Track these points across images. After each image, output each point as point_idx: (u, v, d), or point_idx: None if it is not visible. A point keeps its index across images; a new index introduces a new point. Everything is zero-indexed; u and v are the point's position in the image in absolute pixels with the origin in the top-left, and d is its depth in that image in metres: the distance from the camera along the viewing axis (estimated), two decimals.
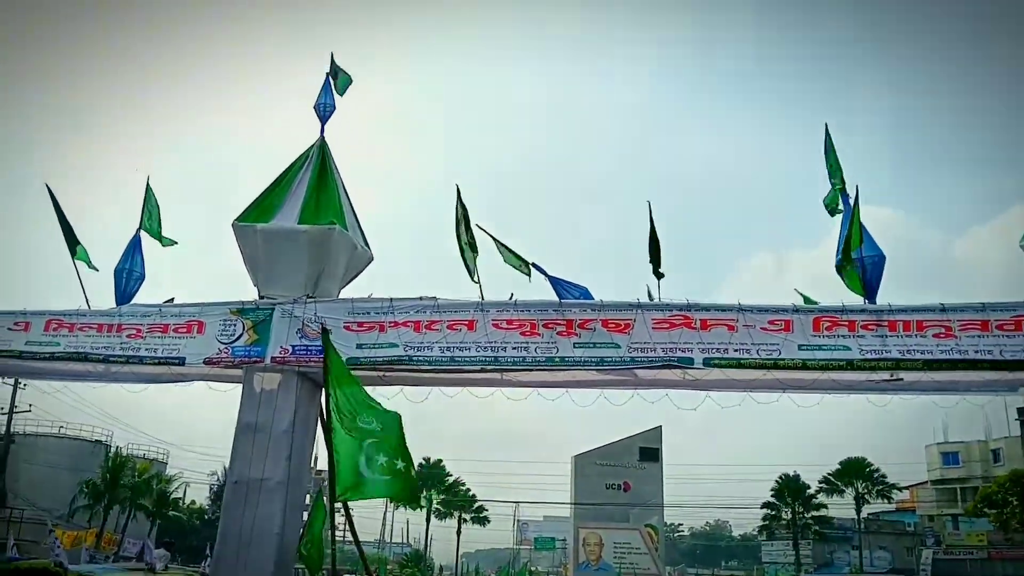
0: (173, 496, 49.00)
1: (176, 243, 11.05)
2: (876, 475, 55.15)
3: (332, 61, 10.67)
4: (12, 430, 35.45)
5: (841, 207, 8.88)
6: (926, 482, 68.12)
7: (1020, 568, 51.62)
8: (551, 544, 74.85)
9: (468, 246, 8.88)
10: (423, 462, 60.51)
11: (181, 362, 9.31)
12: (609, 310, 8.69)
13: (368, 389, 9.42)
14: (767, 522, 60.73)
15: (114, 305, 10.05)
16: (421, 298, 9.12)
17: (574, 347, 8.63)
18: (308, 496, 9.27)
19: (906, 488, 66.85)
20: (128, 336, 9.55)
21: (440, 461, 60.72)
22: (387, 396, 9.34)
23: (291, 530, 8.78)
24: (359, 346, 8.99)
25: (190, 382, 9.84)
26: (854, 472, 54.66)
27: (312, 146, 10.32)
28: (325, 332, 8.61)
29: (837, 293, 8.90)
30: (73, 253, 10.22)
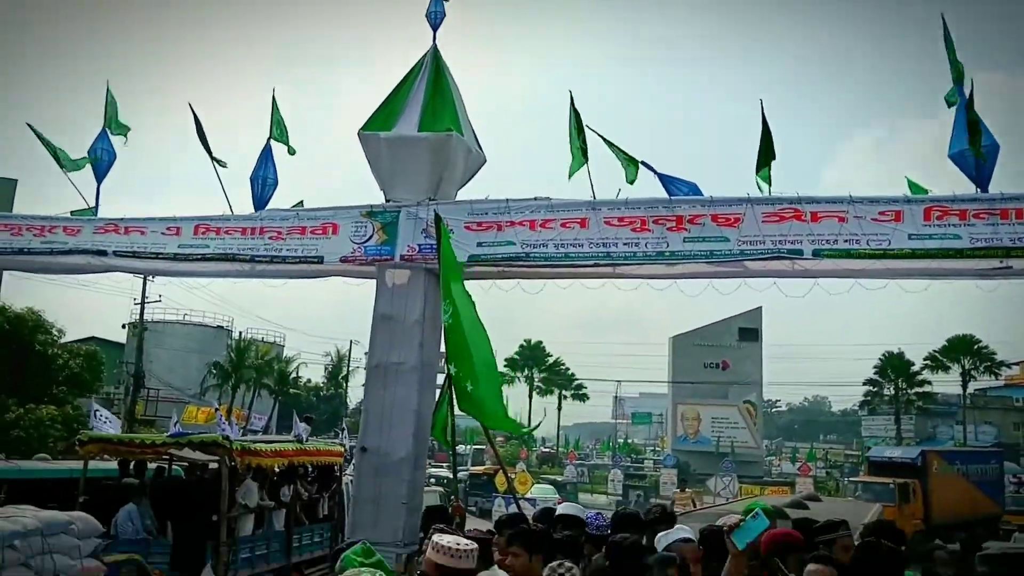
0: (293, 376, 52.65)
1: (297, 152, 11.82)
2: (984, 351, 53.87)
3: None
4: (144, 318, 38.51)
5: (957, 98, 8.75)
6: None
7: None
8: (647, 419, 77.20)
9: (580, 151, 9.26)
10: (524, 343, 62.68)
11: (320, 260, 10.22)
12: (719, 205, 9.01)
13: (488, 283, 10.18)
14: (868, 398, 60.63)
15: (252, 211, 10.97)
16: (536, 198, 9.63)
17: (684, 241, 9.03)
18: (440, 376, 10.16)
19: (1015, 364, 65.08)
20: (270, 238, 10.49)
21: (540, 343, 62.74)
22: (505, 288, 10.09)
23: (425, 407, 9.75)
24: (479, 244, 9.64)
25: (327, 278, 10.78)
26: (961, 349, 53.56)
27: (426, 53, 10.71)
28: (439, 219, 8.75)
29: (950, 180, 8.93)
30: (216, 160, 11.12)
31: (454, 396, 7.76)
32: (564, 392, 63.60)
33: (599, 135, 9.39)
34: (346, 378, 64.28)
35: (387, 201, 10.23)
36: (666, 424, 54.90)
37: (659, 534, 4.79)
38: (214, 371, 43.53)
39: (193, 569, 9.46)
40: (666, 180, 9.54)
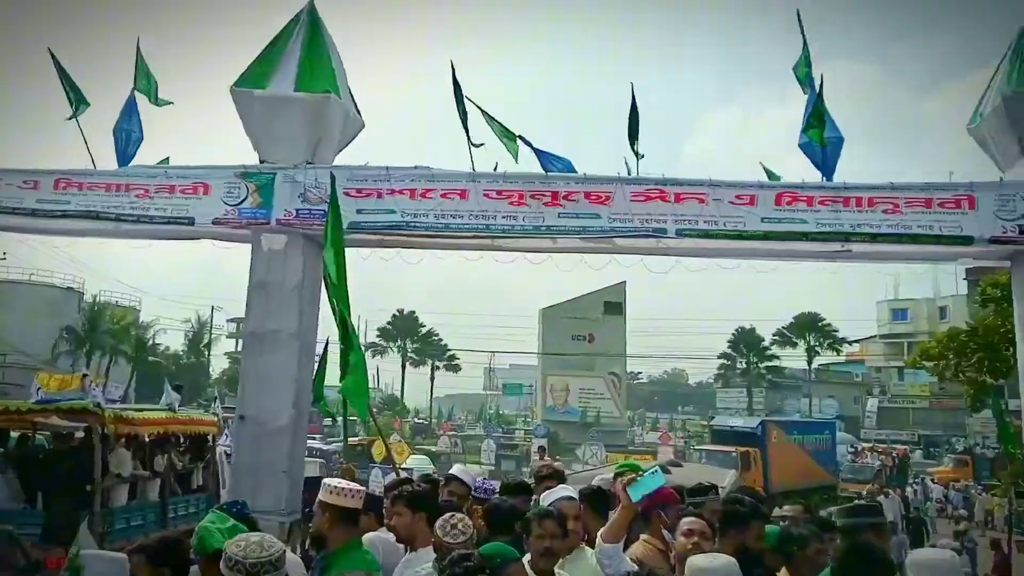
0: (151, 343, 50.41)
1: (172, 103, 11.39)
2: (828, 329, 58.07)
3: None
4: None
5: (808, 88, 9.49)
6: (875, 336, 71.86)
7: (957, 416, 55.72)
8: (519, 390, 78.80)
9: (462, 121, 9.42)
10: (396, 313, 62.38)
11: (191, 222, 9.93)
12: (591, 183, 9.41)
13: (367, 251, 10.22)
14: (723, 371, 64.24)
15: (116, 167, 10.52)
16: (416, 167, 9.73)
17: (559, 216, 9.39)
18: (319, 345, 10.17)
19: (856, 342, 70.52)
20: (136, 196, 10.08)
21: (413, 312, 62.63)
22: (386, 258, 10.17)
23: (305, 375, 9.73)
24: (358, 211, 9.65)
25: (198, 240, 10.50)
26: (807, 326, 57.54)
27: (301, 10, 10.49)
28: (333, 180, 8.73)
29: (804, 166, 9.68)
30: (76, 111, 10.56)
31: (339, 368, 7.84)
32: (437, 363, 63.92)
33: (478, 107, 9.59)
34: (208, 346, 62.14)
35: (261, 162, 10.05)
36: (536, 395, 56.21)
37: (544, 493, 5.02)
38: (66, 336, 41.05)
39: (67, 540, 9.13)
40: (542, 155, 9.87)
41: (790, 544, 4.45)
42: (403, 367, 62.63)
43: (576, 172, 9.69)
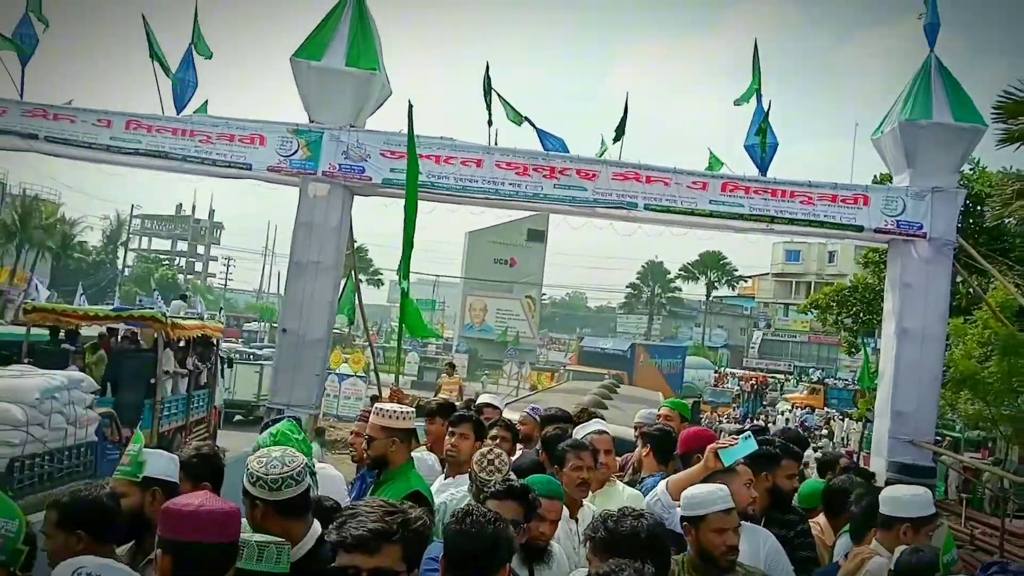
0: (76, 240, 50.27)
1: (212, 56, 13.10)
2: (728, 267, 62.79)
3: None
4: None
5: (754, 103, 12.14)
6: (767, 274, 77.63)
7: (831, 351, 61.93)
8: (432, 305, 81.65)
9: (487, 107, 11.69)
10: None
11: (248, 168, 11.88)
12: (582, 163, 11.89)
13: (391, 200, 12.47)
14: (628, 300, 68.64)
15: (173, 109, 12.27)
16: (441, 138, 11.96)
17: (554, 187, 11.87)
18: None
19: (750, 278, 76.06)
20: (200, 141, 11.90)
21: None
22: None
23: (335, 300, 12.07)
24: (391, 170, 11.84)
25: (249, 179, 12.47)
26: (710, 263, 62.01)
27: None
28: (411, 107, 10.01)
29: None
30: (153, 56, 12.20)
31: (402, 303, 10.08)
32: (361, 277, 65.58)
33: (498, 94, 11.86)
34: (125, 244, 61.89)
35: (311, 122, 12.04)
36: (457, 313, 58.94)
37: (578, 427, 5.13)
38: None
39: (133, 423, 11.35)
40: (542, 134, 12.25)
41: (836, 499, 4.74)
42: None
43: (569, 152, 12.14)
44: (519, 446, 5.49)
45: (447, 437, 4.86)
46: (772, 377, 53.34)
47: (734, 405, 32.84)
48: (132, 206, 58.55)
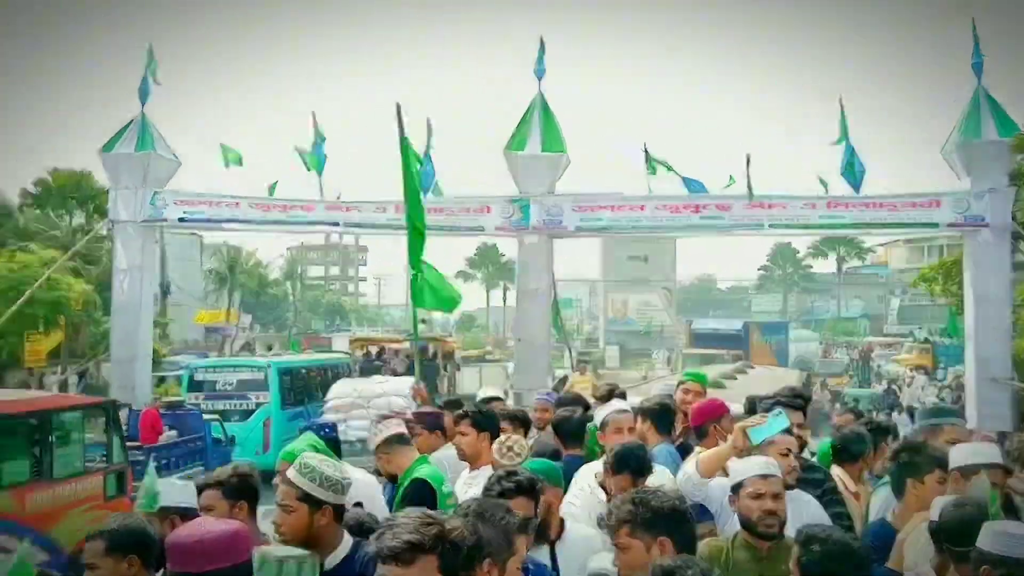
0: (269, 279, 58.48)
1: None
2: (853, 241, 64.33)
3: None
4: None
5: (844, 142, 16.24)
6: (898, 240, 77.60)
7: None
8: (569, 304, 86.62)
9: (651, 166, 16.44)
10: (480, 246, 69.64)
11: (482, 229, 17.22)
12: (718, 199, 16.42)
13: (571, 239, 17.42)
14: (761, 282, 71.25)
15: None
16: (613, 192, 16.82)
17: (700, 219, 16.46)
18: None
19: (881, 245, 76.34)
20: (435, 212, 17.26)
21: (495, 244, 69.79)
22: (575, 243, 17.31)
23: (547, 315, 17.17)
24: (581, 219, 16.76)
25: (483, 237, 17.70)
26: (837, 240, 63.81)
27: (535, 97, 17.28)
28: (399, 108, 14.11)
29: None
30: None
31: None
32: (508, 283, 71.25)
33: (655, 159, 16.57)
34: (301, 277, 70.11)
35: (521, 193, 17.11)
36: (603, 310, 63.54)
37: (598, 408, 5.22)
38: (211, 277, 49.24)
39: None
40: (686, 179, 16.85)
41: (854, 447, 4.76)
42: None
43: (706, 191, 16.67)
44: (534, 431, 5.65)
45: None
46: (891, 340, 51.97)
47: (850, 375, 32.18)
48: (302, 243, 66.44)
